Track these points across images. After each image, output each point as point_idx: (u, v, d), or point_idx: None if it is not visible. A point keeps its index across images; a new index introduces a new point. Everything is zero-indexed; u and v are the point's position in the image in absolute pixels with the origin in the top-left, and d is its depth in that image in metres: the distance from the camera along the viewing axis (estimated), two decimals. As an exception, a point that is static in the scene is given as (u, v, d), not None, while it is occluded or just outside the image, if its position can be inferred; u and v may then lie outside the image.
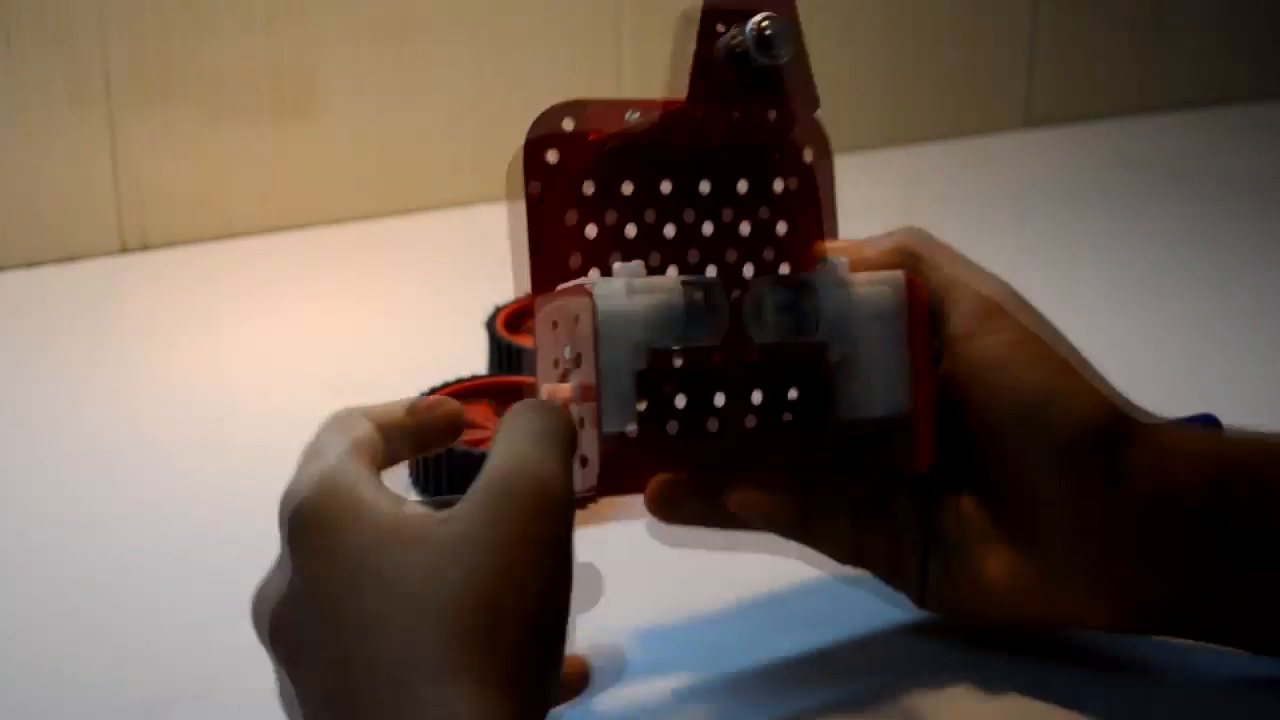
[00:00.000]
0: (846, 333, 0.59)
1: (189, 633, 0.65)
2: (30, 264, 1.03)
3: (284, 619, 0.50)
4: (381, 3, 1.09)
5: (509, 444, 0.50)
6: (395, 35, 1.10)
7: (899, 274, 0.60)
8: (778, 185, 0.62)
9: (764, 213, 0.62)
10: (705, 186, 0.61)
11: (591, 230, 0.59)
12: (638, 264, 0.57)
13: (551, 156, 0.60)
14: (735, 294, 0.59)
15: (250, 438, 0.82)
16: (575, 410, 0.56)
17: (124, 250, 1.06)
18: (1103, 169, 1.23)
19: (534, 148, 0.60)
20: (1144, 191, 1.19)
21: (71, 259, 1.04)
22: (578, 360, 0.56)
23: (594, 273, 0.59)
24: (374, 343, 0.94)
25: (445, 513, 0.49)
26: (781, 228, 0.62)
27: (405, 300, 1.00)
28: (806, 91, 0.60)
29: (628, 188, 0.60)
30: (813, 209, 0.63)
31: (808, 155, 0.63)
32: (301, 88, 1.08)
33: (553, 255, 0.59)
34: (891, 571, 0.61)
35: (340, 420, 0.54)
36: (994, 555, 0.60)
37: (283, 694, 0.51)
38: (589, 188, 0.60)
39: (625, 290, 0.56)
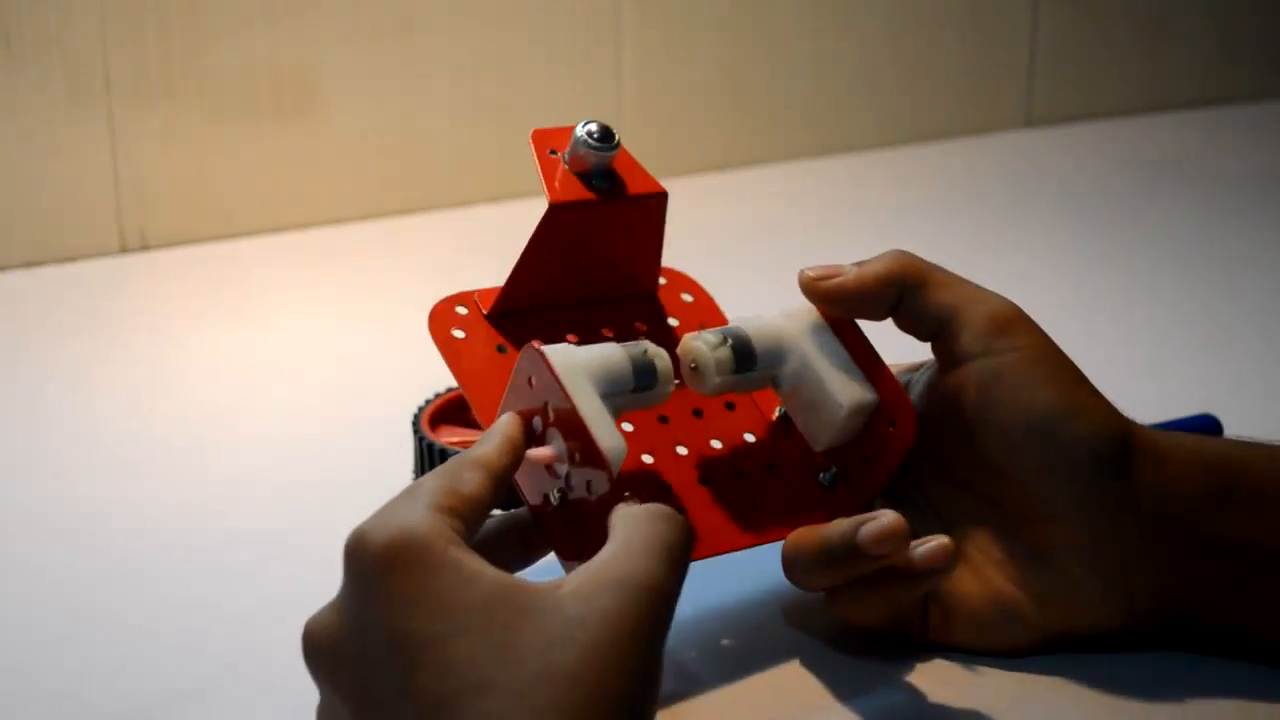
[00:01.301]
0: (786, 359, 0.62)
1: (190, 632, 0.65)
2: (30, 264, 1.03)
3: (350, 657, 0.51)
4: (381, 3, 1.09)
5: (626, 544, 0.51)
6: (395, 35, 1.10)
7: (804, 302, 0.63)
8: (671, 322, 0.66)
9: (667, 343, 0.64)
10: (609, 334, 0.65)
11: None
12: (566, 344, 0.60)
13: (458, 334, 0.64)
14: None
15: (250, 437, 0.82)
16: (558, 472, 0.58)
17: (124, 250, 1.06)
18: (1103, 169, 1.23)
19: (439, 328, 0.64)
20: (1144, 191, 1.19)
21: (71, 259, 1.04)
22: (547, 413, 0.58)
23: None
24: (374, 343, 0.94)
25: (556, 592, 0.49)
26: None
27: (405, 300, 1.00)
28: (649, 182, 0.63)
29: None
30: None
31: (686, 297, 0.67)
32: (301, 88, 1.08)
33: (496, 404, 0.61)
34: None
35: (448, 471, 0.55)
36: (1007, 573, 0.60)
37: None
38: (501, 350, 0.64)
39: (567, 348, 0.59)
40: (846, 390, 0.61)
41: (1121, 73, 1.34)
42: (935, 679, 0.60)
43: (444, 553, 0.50)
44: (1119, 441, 0.58)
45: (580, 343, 0.64)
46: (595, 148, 0.62)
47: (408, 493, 0.53)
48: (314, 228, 1.10)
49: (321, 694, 0.53)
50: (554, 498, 0.58)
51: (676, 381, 0.62)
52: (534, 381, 0.58)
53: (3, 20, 1.00)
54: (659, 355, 0.60)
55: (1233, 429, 0.76)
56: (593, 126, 0.62)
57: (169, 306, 0.99)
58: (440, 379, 0.79)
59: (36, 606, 0.67)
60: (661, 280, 0.68)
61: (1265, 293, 1.00)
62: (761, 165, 1.22)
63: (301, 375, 0.89)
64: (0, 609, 0.67)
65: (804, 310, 0.62)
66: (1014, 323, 0.60)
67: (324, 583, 0.68)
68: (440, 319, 0.64)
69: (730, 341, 0.61)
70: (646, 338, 0.64)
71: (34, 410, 0.85)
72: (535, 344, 0.58)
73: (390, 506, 0.52)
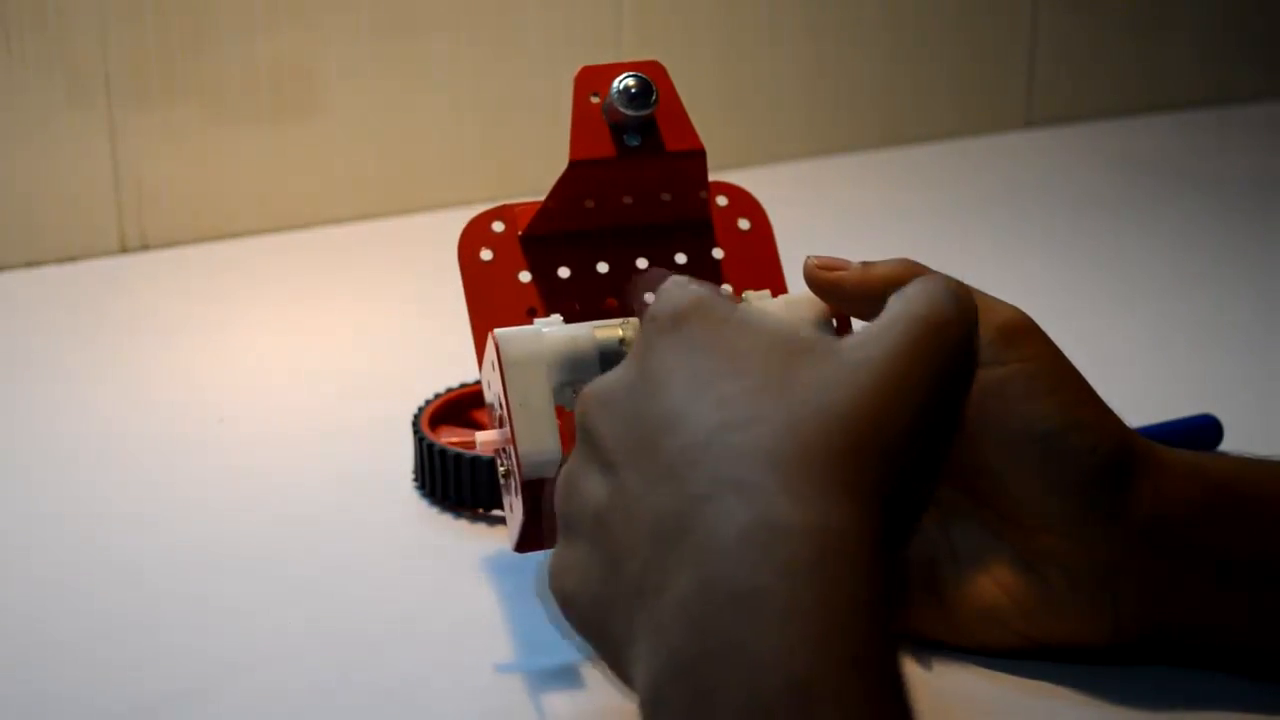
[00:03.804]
0: None
1: (190, 632, 0.65)
2: (30, 264, 1.03)
3: (626, 401, 0.49)
4: (381, 3, 1.09)
5: (905, 295, 0.50)
6: (395, 35, 1.10)
7: (809, 293, 0.62)
8: (716, 253, 0.65)
9: (706, 278, 0.64)
10: (642, 263, 0.65)
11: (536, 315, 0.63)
12: (555, 316, 0.61)
13: (485, 254, 0.64)
14: None
15: (251, 437, 0.82)
16: (504, 459, 0.58)
17: (124, 250, 1.06)
18: (1103, 169, 1.23)
19: (468, 247, 0.63)
20: (1144, 191, 1.19)
21: (71, 259, 1.04)
22: (500, 401, 0.58)
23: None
24: (374, 343, 0.94)
25: (838, 341, 0.49)
26: (726, 289, 0.65)
27: (405, 300, 1.00)
28: (688, 138, 0.62)
29: (564, 272, 0.64)
30: (759, 266, 0.66)
31: (743, 224, 0.66)
32: (301, 88, 1.08)
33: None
34: None
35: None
36: (994, 576, 0.60)
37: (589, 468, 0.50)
38: (525, 277, 0.63)
39: (533, 333, 0.59)
40: None
41: (1121, 73, 1.34)
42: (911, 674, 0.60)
43: (732, 306, 0.50)
44: (1117, 457, 0.58)
45: (610, 271, 0.64)
46: (626, 108, 0.60)
47: (672, 285, 0.52)
48: (314, 228, 1.10)
49: (579, 456, 0.51)
50: (500, 475, 0.59)
51: None
52: (495, 367, 0.59)
53: (3, 20, 1.00)
54: (634, 343, 0.60)
55: (1232, 429, 0.76)
56: (630, 82, 0.61)
57: (169, 306, 0.99)
58: (440, 379, 0.79)
59: (36, 606, 0.67)
60: (722, 200, 0.66)
61: (1265, 293, 1.00)
62: (761, 165, 1.21)
63: (301, 375, 0.89)
64: (0, 608, 0.67)
65: (807, 302, 0.62)
66: (1021, 333, 0.59)
67: (324, 583, 0.68)
68: (472, 236, 0.64)
69: None
70: (686, 271, 0.64)
71: (34, 410, 0.85)
72: (495, 331, 0.58)
73: (668, 291, 0.51)
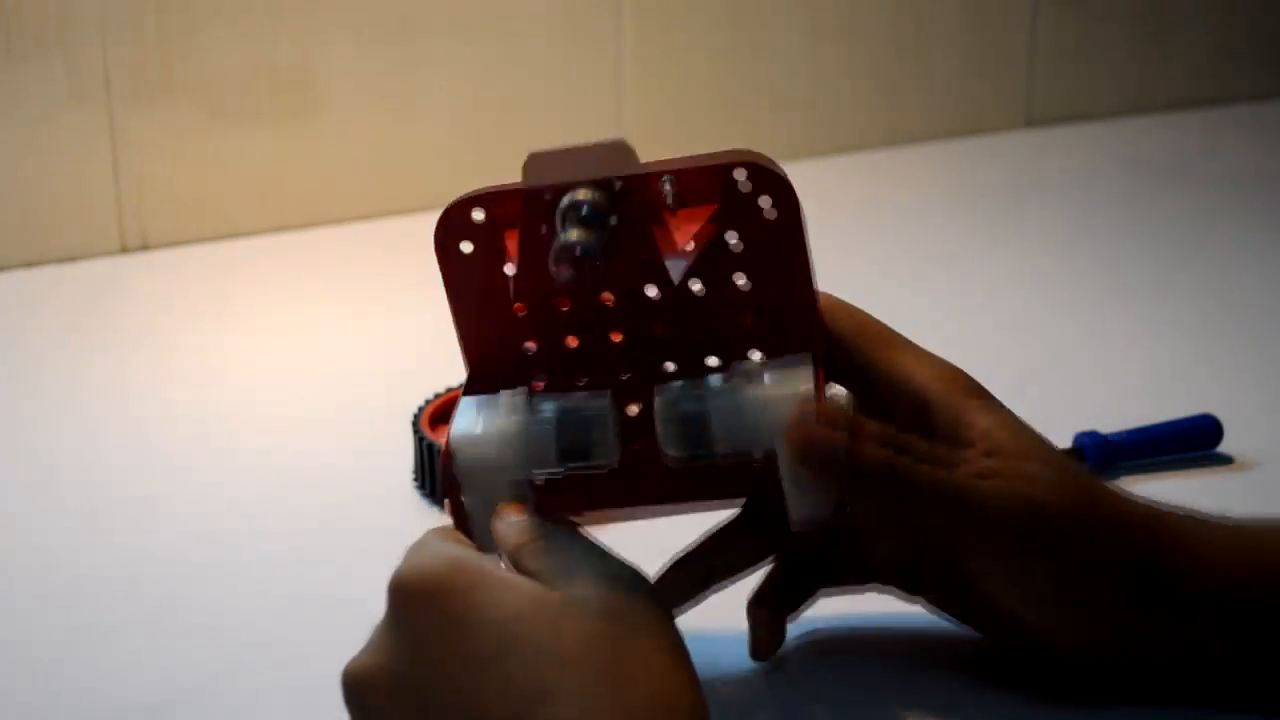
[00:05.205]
0: (755, 441, 0.55)
1: (189, 632, 0.65)
2: (30, 264, 1.03)
3: (409, 690, 0.51)
4: (381, 3, 1.09)
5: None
6: (395, 35, 1.10)
7: (803, 373, 0.55)
8: (731, 240, 0.56)
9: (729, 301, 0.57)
10: (651, 291, 0.57)
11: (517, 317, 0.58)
12: (522, 392, 0.56)
13: (466, 247, 0.57)
14: (635, 409, 0.58)
15: (250, 437, 0.82)
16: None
17: (124, 250, 1.06)
18: (1103, 169, 1.23)
19: (446, 238, 0.57)
20: (1144, 191, 1.19)
21: (71, 259, 1.04)
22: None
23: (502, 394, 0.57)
24: (374, 343, 0.94)
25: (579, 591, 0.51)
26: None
27: (405, 300, 1.00)
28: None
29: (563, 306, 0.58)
30: (781, 266, 0.56)
31: (764, 202, 0.56)
32: (301, 88, 1.08)
33: (481, 340, 0.58)
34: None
35: (442, 529, 0.56)
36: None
37: None
38: (510, 270, 0.57)
39: (485, 430, 0.55)
40: (813, 502, 0.56)
41: (1121, 73, 1.34)
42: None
43: (481, 570, 0.51)
44: (1059, 514, 0.56)
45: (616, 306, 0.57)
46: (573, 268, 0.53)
47: (419, 544, 0.54)
48: (314, 228, 1.10)
49: None
50: None
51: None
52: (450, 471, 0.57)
53: (3, 20, 1.00)
54: (600, 428, 0.55)
55: (1232, 429, 0.76)
56: (579, 202, 0.53)
57: (169, 306, 0.99)
58: (440, 379, 0.79)
59: (37, 606, 0.67)
60: (741, 175, 0.55)
61: (1264, 292, 1.00)
62: (761, 165, 1.21)
63: (301, 375, 0.89)
64: (0, 608, 0.67)
65: (793, 390, 0.55)
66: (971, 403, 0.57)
67: (324, 582, 0.68)
68: (449, 226, 0.57)
69: (686, 428, 0.55)
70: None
71: (34, 410, 0.85)
72: (449, 436, 0.55)
73: (415, 552, 0.53)
